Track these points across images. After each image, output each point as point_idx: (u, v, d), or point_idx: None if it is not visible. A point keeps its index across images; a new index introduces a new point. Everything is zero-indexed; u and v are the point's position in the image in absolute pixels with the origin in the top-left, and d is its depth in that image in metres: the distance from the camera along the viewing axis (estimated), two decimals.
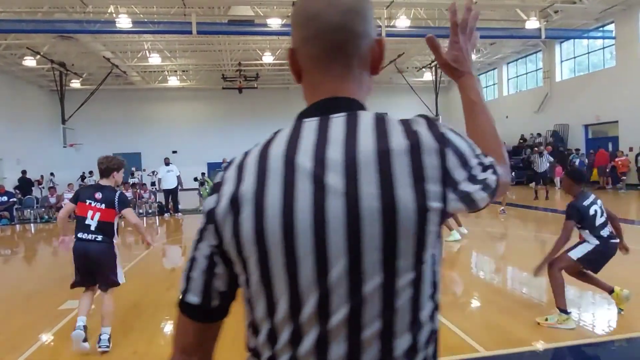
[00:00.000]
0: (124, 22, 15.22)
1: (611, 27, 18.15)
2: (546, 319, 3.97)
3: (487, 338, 3.76)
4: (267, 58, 21.94)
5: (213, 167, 27.24)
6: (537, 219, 11.53)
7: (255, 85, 25.00)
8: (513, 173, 21.48)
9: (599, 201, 4.10)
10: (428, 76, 26.18)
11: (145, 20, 16.20)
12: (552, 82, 21.46)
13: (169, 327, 4.39)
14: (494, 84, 26.91)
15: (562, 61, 21.31)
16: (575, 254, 4.03)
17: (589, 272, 4.14)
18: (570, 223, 3.97)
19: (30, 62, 19.99)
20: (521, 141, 23.03)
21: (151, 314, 4.78)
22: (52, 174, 24.07)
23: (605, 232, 4.03)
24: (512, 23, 17.57)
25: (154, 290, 5.79)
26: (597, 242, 3.98)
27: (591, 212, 4.00)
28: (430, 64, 24.10)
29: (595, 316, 4.37)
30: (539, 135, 21.72)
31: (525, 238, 8.89)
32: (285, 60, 22.53)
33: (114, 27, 15.51)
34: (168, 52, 21.71)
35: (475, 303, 4.89)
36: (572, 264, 4.03)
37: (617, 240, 4.06)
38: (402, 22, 16.94)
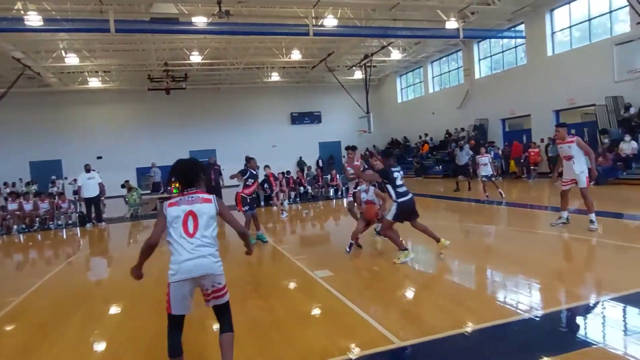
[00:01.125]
0: (33, 19, 14.10)
1: (522, 27, 19.55)
2: (397, 259, 6.04)
3: (402, 329, 3.89)
4: (195, 58, 21.33)
5: (142, 172, 26.07)
6: (461, 209, 12.18)
7: (184, 86, 24.22)
8: (440, 166, 22.58)
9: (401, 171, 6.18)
10: (358, 74, 26.78)
11: (58, 17, 15.13)
12: (472, 79, 22.76)
13: (78, 345, 4.13)
14: (420, 82, 28.05)
15: (480, 59, 22.66)
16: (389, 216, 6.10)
17: (417, 223, 6.29)
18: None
19: None
20: (447, 136, 24.20)
21: (62, 332, 4.47)
22: None
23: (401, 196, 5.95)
24: (433, 23, 18.38)
25: (67, 306, 5.41)
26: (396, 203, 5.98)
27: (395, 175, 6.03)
28: (360, 62, 24.63)
29: (515, 298, 4.67)
30: (463, 129, 22.95)
31: (445, 227, 9.35)
32: (214, 59, 22.18)
33: (22, 25, 14.32)
34: (87, 51, 20.41)
35: (393, 295, 5.05)
36: (389, 222, 6.06)
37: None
38: (330, 22, 17.15)
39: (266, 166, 13.79)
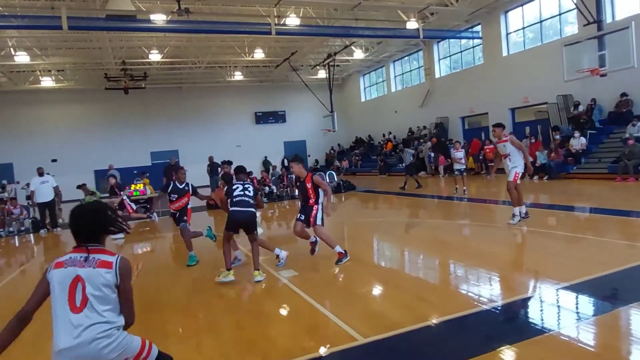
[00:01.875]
0: None
1: (478, 28, 20.18)
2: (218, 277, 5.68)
3: (365, 325, 3.93)
4: (155, 56, 20.81)
5: (101, 175, 25.10)
6: (423, 205, 12.46)
7: (144, 85, 23.58)
8: (403, 164, 22.94)
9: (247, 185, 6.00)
10: (322, 74, 26.86)
11: (6, 13, 14.40)
12: (432, 78, 23.30)
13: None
14: (382, 81, 28.45)
15: (439, 59, 23.22)
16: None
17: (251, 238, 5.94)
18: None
19: None
20: (409, 134, 24.65)
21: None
22: None
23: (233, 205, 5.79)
24: (395, 24, 18.69)
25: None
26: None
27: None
28: (323, 61, 24.71)
29: (475, 290, 4.81)
30: (425, 127, 23.44)
31: (409, 224, 9.55)
32: (175, 58, 21.68)
33: None
34: (38, 49, 19.50)
35: (357, 292, 5.10)
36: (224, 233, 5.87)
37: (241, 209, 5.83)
38: (292, 21, 17.12)
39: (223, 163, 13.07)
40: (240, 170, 6.48)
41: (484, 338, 3.59)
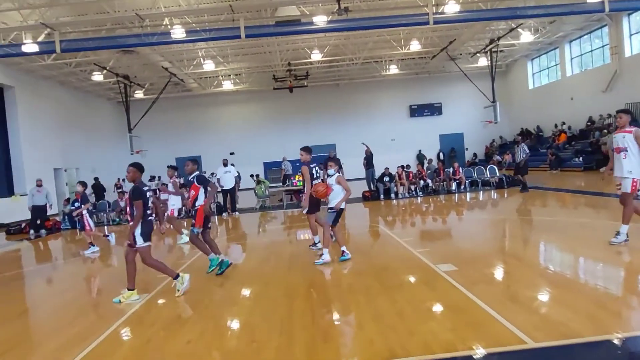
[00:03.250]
0: (178, 32, 15.98)
1: None
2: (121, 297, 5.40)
3: (535, 329, 3.61)
4: (316, 56, 22.11)
5: (269, 167, 27.98)
6: (605, 205, 10.77)
7: (305, 84, 25.35)
8: (580, 158, 20.14)
9: None
10: (483, 61, 25.13)
11: (198, 29, 16.92)
12: (620, 57, 19.84)
13: (219, 322, 4.64)
14: (555, 65, 25.31)
15: (631, 35, 19.62)
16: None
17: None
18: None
19: (98, 77, 21.62)
20: (589, 124, 21.51)
21: (204, 307, 5.06)
22: (123, 180, 25.94)
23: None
24: None
25: (209, 286, 6.10)
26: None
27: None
28: (485, 48, 23.12)
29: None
30: (609, 115, 20.17)
31: (585, 225, 8.36)
32: (334, 56, 22.77)
33: (169, 38, 16.33)
34: (221, 57, 22.50)
35: (524, 293, 4.68)
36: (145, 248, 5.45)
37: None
38: (451, 7, 16.37)
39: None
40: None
41: None
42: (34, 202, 13.76)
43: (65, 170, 22.43)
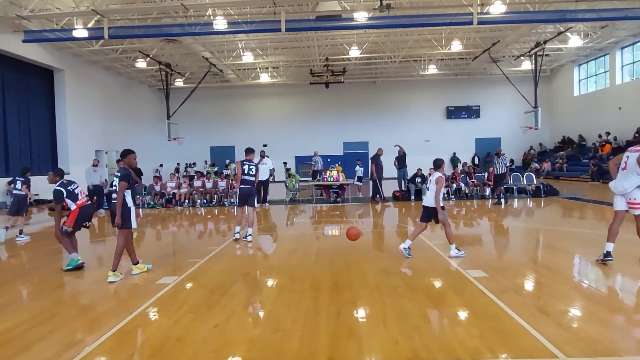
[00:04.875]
0: (220, 23, 16.25)
1: None
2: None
3: (567, 344, 3.49)
4: (354, 52, 22.01)
5: (301, 161, 28.15)
6: None
7: (342, 80, 25.32)
8: None
9: None
10: (527, 65, 24.37)
11: (239, 20, 17.14)
12: None
13: (245, 309, 4.71)
14: (604, 72, 24.24)
15: None
16: None
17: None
18: None
19: (141, 64, 22.26)
20: (637, 135, 20.50)
21: (231, 295, 5.15)
22: (161, 165, 26.75)
23: None
24: (626, 2, 15.69)
25: (237, 275, 6.21)
26: None
27: None
28: (530, 51, 22.40)
29: None
30: None
31: (634, 242, 8.00)
32: (372, 54, 22.67)
33: (211, 29, 16.62)
34: (260, 50, 22.74)
35: (557, 305, 4.53)
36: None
37: None
38: (497, 8, 15.93)
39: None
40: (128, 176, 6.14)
41: None
42: (92, 181, 14.30)
43: (106, 153, 23.26)
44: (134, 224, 6.00)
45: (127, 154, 6.04)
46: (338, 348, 3.56)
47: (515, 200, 15.19)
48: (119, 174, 5.86)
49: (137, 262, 6.20)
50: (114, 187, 5.85)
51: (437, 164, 6.91)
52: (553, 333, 3.70)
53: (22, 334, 4.05)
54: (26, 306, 4.98)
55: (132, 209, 5.89)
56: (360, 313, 4.39)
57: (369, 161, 16.12)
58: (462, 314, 4.31)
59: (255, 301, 4.96)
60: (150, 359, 3.50)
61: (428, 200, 6.70)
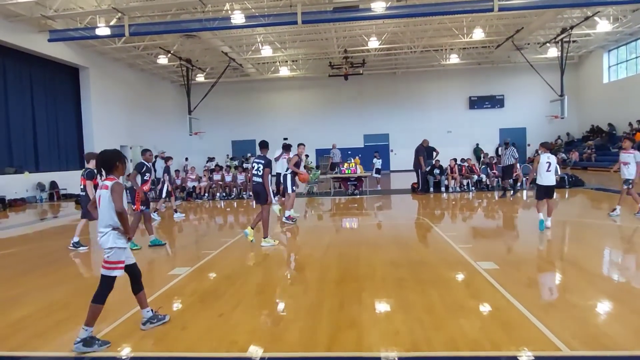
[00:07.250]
0: (238, 17, 16.33)
1: None
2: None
3: (574, 337, 3.40)
4: (373, 43, 21.78)
5: (321, 154, 28.15)
6: None
7: (361, 72, 25.08)
8: None
9: None
10: (553, 52, 23.60)
11: (257, 14, 17.19)
12: None
13: (252, 300, 4.77)
14: (636, 57, 23.28)
15: None
16: None
17: None
18: None
19: (162, 60, 22.63)
20: None
21: (241, 285, 5.22)
22: (186, 158, 27.27)
23: None
24: None
25: (249, 265, 6.29)
26: None
27: None
28: (556, 37, 21.69)
29: None
30: None
31: None
32: (392, 44, 22.28)
33: (229, 23, 16.73)
34: (279, 43, 22.76)
35: (567, 298, 4.41)
36: None
37: None
38: None
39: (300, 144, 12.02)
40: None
41: None
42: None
43: (130, 148, 23.81)
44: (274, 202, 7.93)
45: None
46: (337, 339, 3.57)
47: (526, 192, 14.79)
48: (262, 161, 7.35)
49: (267, 237, 7.44)
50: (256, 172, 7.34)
51: (547, 147, 8.40)
52: (561, 327, 3.60)
53: (36, 321, 4.21)
54: (43, 295, 5.18)
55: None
56: (364, 304, 4.38)
57: (414, 153, 15.40)
58: (468, 306, 4.25)
59: (261, 292, 5.01)
60: (154, 347, 3.59)
61: (548, 179, 7.87)
